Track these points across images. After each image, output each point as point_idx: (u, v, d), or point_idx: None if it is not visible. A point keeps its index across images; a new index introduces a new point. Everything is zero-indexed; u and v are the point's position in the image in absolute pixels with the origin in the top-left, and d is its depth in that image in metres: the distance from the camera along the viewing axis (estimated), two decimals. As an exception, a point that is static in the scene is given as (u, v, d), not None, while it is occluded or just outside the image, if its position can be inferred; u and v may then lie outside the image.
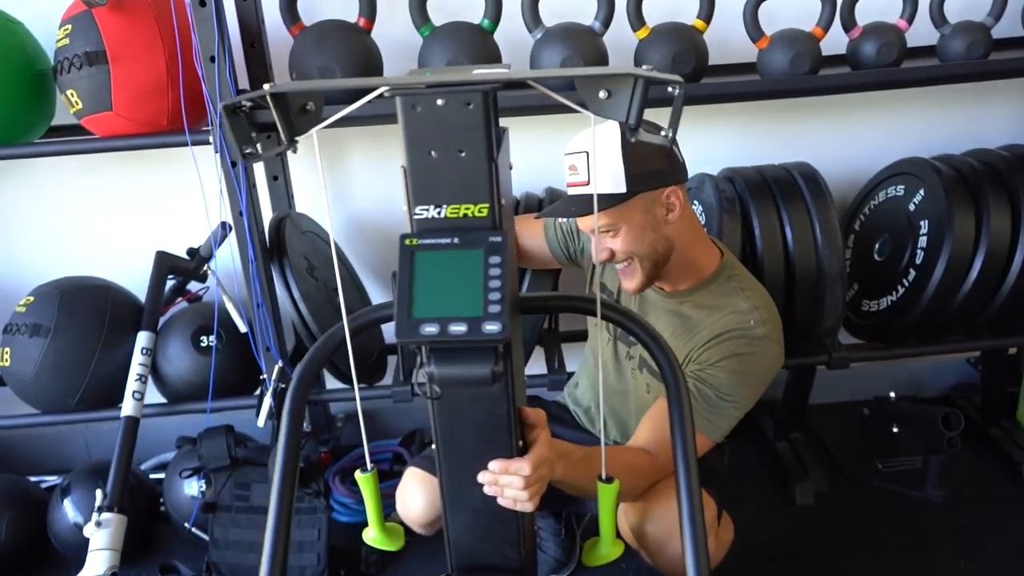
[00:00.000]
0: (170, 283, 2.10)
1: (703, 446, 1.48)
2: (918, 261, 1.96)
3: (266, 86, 0.99)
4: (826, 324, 1.94)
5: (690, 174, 1.58)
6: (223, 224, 2.01)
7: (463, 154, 0.93)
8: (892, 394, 2.34)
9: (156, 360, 1.99)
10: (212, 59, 1.66)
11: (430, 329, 0.91)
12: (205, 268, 2.12)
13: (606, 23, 1.82)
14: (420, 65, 1.85)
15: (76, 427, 2.44)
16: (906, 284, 2.00)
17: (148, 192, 2.20)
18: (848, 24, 1.89)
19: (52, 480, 2.33)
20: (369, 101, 0.96)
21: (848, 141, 2.22)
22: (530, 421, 1.12)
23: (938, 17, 1.90)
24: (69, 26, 1.69)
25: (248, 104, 1.00)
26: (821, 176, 1.94)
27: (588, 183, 1.41)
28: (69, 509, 1.99)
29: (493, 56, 1.82)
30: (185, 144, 1.74)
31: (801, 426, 2.36)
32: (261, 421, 1.92)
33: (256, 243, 1.80)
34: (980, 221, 1.89)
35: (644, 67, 0.93)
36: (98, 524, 1.71)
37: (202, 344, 1.98)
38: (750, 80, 1.86)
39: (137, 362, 1.93)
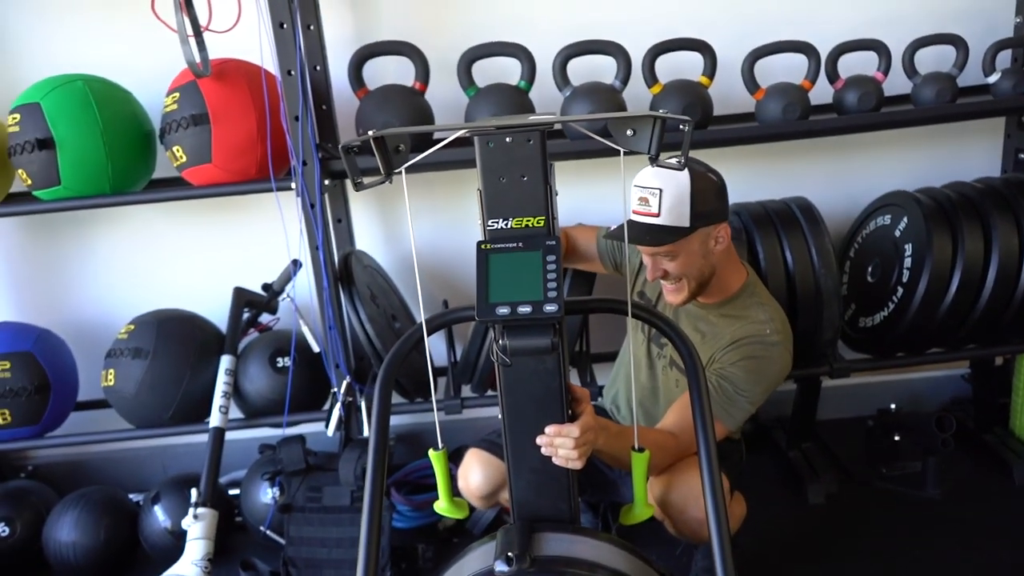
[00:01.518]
0: (244, 316, 2.39)
1: (720, 433, 1.74)
2: (904, 280, 2.23)
3: (371, 132, 1.28)
4: (825, 337, 2.20)
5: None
6: (295, 261, 2.32)
7: (525, 179, 1.22)
8: (893, 406, 2.59)
9: (238, 380, 2.27)
10: (296, 118, 1.99)
11: (503, 311, 1.20)
12: (275, 301, 2.42)
13: (625, 81, 2.14)
14: (467, 121, 2.17)
15: (155, 449, 2.72)
16: (895, 301, 2.26)
17: (225, 235, 2.51)
18: (832, 77, 2.20)
19: (135, 497, 2.59)
20: (451, 142, 1.26)
21: (839, 178, 2.52)
22: (577, 396, 1.39)
23: (910, 69, 2.21)
24: (177, 94, 2.02)
25: (358, 146, 1.29)
26: (815, 207, 2.22)
27: (659, 215, 1.68)
28: (159, 514, 2.25)
29: (530, 111, 2.14)
30: (271, 190, 2.06)
31: (810, 437, 2.59)
32: (331, 430, 2.19)
33: (329, 274, 2.10)
34: (956, 244, 2.16)
35: (660, 111, 1.23)
36: (195, 517, 1.96)
37: (278, 365, 2.26)
38: (749, 126, 2.17)
39: (222, 381, 2.21)
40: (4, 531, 2.27)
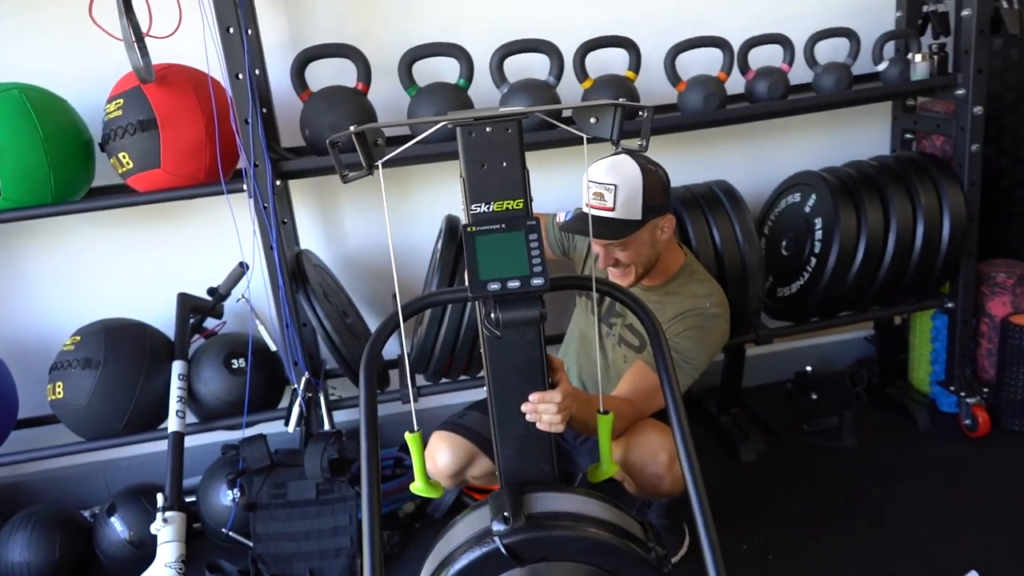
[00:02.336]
0: (190, 321, 2.39)
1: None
2: (816, 252, 2.45)
3: (352, 127, 1.36)
4: (751, 307, 2.40)
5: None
6: (242, 264, 2.34)
7: (504, 165, 1.32)
8: (808, 368, 2.83)
9: (192, 383, 2.27)
10: (246, 121, 2.02)
11: (494, 286, 1.29)
12: (220, 306, 2.43)
13: (558, 77, 2.27)
14: (410, 118, 2.25)
15: (97, 465, 2.66)
16: (809, 271, 2.48)
17: (163, 242, 2.50)
18: (744, 69, 2.40)
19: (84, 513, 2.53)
20: (431, 133, 1.35)
21: (752, 161, 2.73)
22: (554, 366, 1.51)
23: (811, 60, 2.44)
24: (121, 100, 2.02)
25: (340, 141, 1.37)
26: (737, 190, 2.42)
27: (613, 209, 1.81)
28: (117, 525, 2.23)
29: (470, 108, 2.24)
30: (222, 193, 2.08)
31: (738, 403, 2.80)
32: (292, 427, 2.23)
33: (285, 273, 2.14)
34: (860, 217, 2.40)
35: (620, 100, 1.36)
36: (164, 520, 1.97)
37: (233, 366, 2.27)
38: (674, 116, 2.34)
39: (176, 386, 2.21)
40: (-51, 558, 2.20)
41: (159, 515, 1.99)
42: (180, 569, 1.92)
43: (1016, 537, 2.09)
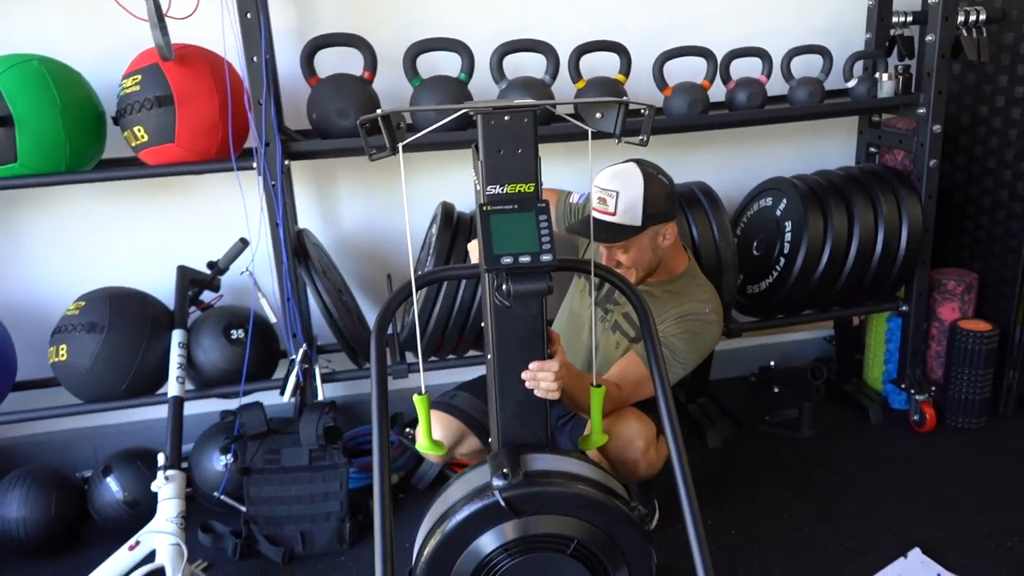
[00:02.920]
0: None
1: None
2: (786, 252, 2.63)
3: (379, 111, 1.47)
4: (724, 301, 2.54)
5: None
6: (242, 239, 2.43)
7: (519, 151, 1.46)
8: (772, 363, 3.02)
9: (192, 351, 2.35)
10: (260, 102, 2.13)
11: (507, 260, 1.43)
12: (218, 280, 2.52)
13: (554, 76, 2.41)
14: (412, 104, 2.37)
15: (85, 431, 2.73)
16: (777, 270, 2.66)
17: (163, 217, 2.58)
18: (725, 79, 2.57)
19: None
20: (454, 119, 1.47)
21: (728, 165, 2.90)
22: (552, 338, 1.64)
23: (787, 74, 2.61)
24: (139, 76, 2.10)
25: (368, 123, 1.48)
26: (715, 191, 2.58)
27: (614, 215, 1.96)
28: (113, 485, 2.31)
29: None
30: (231, 170, 2.18)
31: (705, 393, 2.97)
32: (287, 396, 2.33)
33: (289, 248, 2.25)
34: (827, 222, 2.58)
35: (624, 98, 1.50)
36: (166, 478, 2.06)
37: (232, 337, 2.36)
38: (659, 119, 2.49)
39: (176, 353, 2.29)
40: (-56, 512, 2.25)
41: (160, 473, 2.07)
42: (181, 524, 2.01)
43: (954, 519, 2.28)
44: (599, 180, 2.00)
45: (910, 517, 2.30)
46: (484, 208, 1.47)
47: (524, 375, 1.61)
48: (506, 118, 1.44)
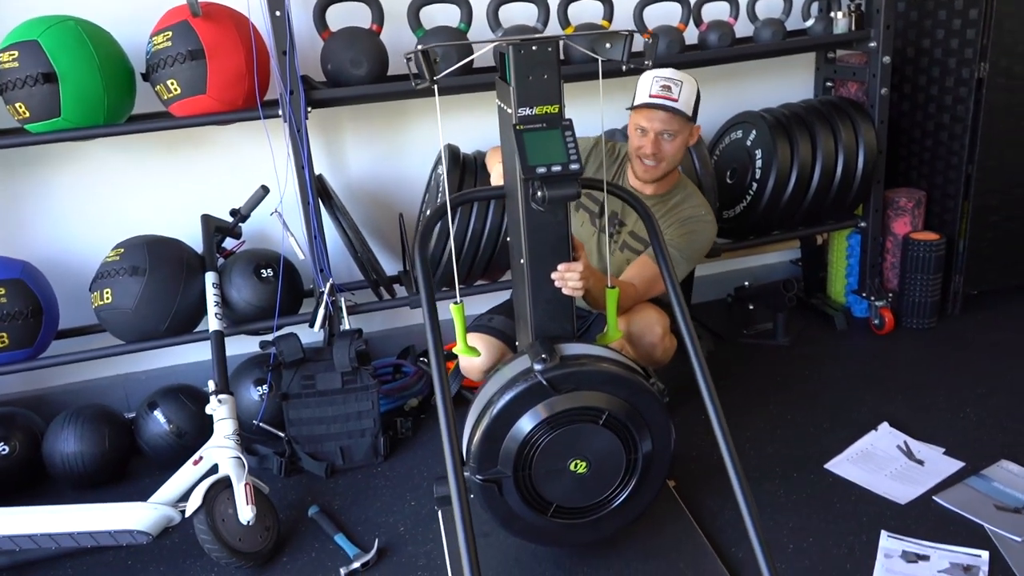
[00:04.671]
0: (211, 240, 2.66)
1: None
2: (757, 178, 2.91)
3: (418, 46, 1.69)
4: (705, 223, 2.83)
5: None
6: (263, 186, 2.62)
7: (546, 77, 1.69)
8: (746, 283, 3.31)
9: (225, 290, 2.54)
10: (284, 53, 2.31)
11: (541, 170, 1.67)
12: (239, 227, 2.70)
13: (544, 24, 2.64)
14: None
15: (116, 379, 2.91)
16: (750, 195, 2.94)
17: (189, 168, 2.75)
18: (698, 21, 2.82)
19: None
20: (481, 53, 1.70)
21: (703, 102, 3.15)
22: (576, 244, 1.89)
23: (752, 15, 2.88)
24: (169, 32, 2.26)
25: (411, 57, 1.70)
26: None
27: (677, 101, 2.20)
28: (160, 417, 2.50)
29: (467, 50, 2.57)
30: (258, 118, 2.37)
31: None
32: (317, 327, 2.54)
33: (314, 189, 2.44)
34: (793, 149, 2.86)
35: (631, 29, 1.74)
36: (220, 401, 2.26)
37: (262, 275, 2.56)
38: (641, 59, 2.73)
39: (212, 293, 2.48)
40: (3, 449, 2.42)
41: (213, 398, 2.27)
42: (238, 440, 2.22)
43: (915, 399, 2.62)
44: (662, 72, 2.24)
45: (877, 399, 2.62)
46: (517, 127, 1.71)
47: (553, 275, 1.85)
48: (534, 48, 1.67)
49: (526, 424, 1.79)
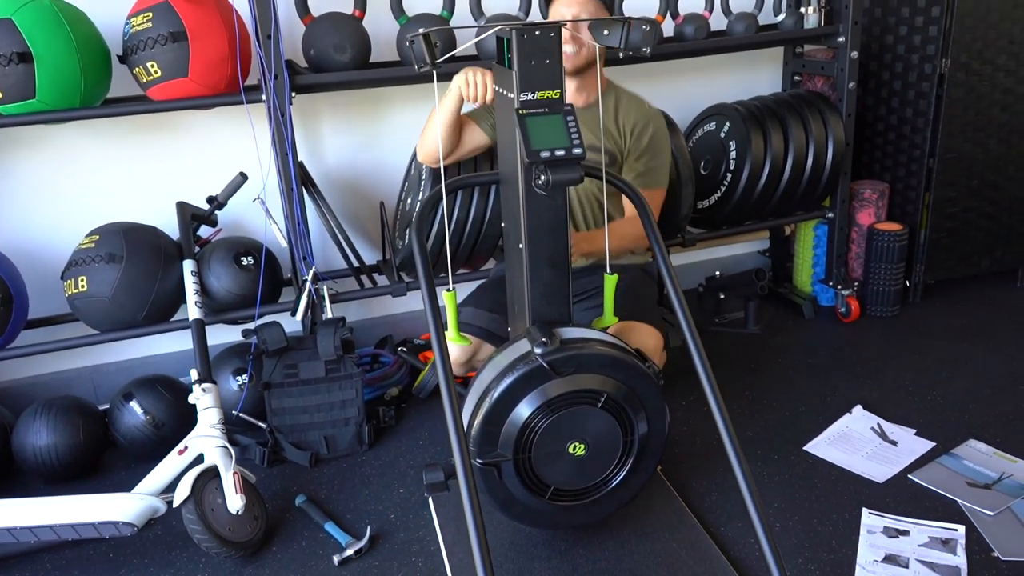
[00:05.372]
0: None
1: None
2: (731, 169, 2.97)
3: (420, 30, 1.69)
4: (683, 212, 2.88)
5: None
6: (241, 173, 2.58)
7: (547, 62, 1.71)
8: (717, 273, 3.38)
9: (204, 279, 2.49)
10: (268, 37, 2.27)
11: (545, 154, 1.68)
12: (215, 215, 2.66)
13: (527, 13, 2.65)
14: (399, 43, 2.56)
15: (83, 371, 2.83)
16: (724, 187, 3.00)
17: (163, 154, 2.69)
18: (674, 14, 2.87)
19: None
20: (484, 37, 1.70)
21: (676, 95, 3.22)
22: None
23: (726, 9, 2.94)
24: (149, 13, 2.21)
25: (413, 41, 1.69)
26: (671, 116, 2.88)
27: None
28: (136, 408, 2.44)
29: (452, 37, 2.57)
30: (241, 103, 2.33)
31: (662, 304, 3.30)
32: (299, 315, 2.51)
33: (297, 175, 2.41)
34: (766, 140, 2.93)
35: (628, 16, 1.77)
36: (203, 390, 2.22)
37: (242, 263, 2.51)
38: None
39: (191, 281, 2.43)
40: (-29, 444, 2.34)
41: (196, 387, 2.23)
42: (223, 429, 2.18)
43: (885, 383, 2.71)
44: None
45: (849, 384, 2.71)
46: (520, 112, 1.72)
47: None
48: (537, 33, 1.69)
49: (527, 407, 1.81)
